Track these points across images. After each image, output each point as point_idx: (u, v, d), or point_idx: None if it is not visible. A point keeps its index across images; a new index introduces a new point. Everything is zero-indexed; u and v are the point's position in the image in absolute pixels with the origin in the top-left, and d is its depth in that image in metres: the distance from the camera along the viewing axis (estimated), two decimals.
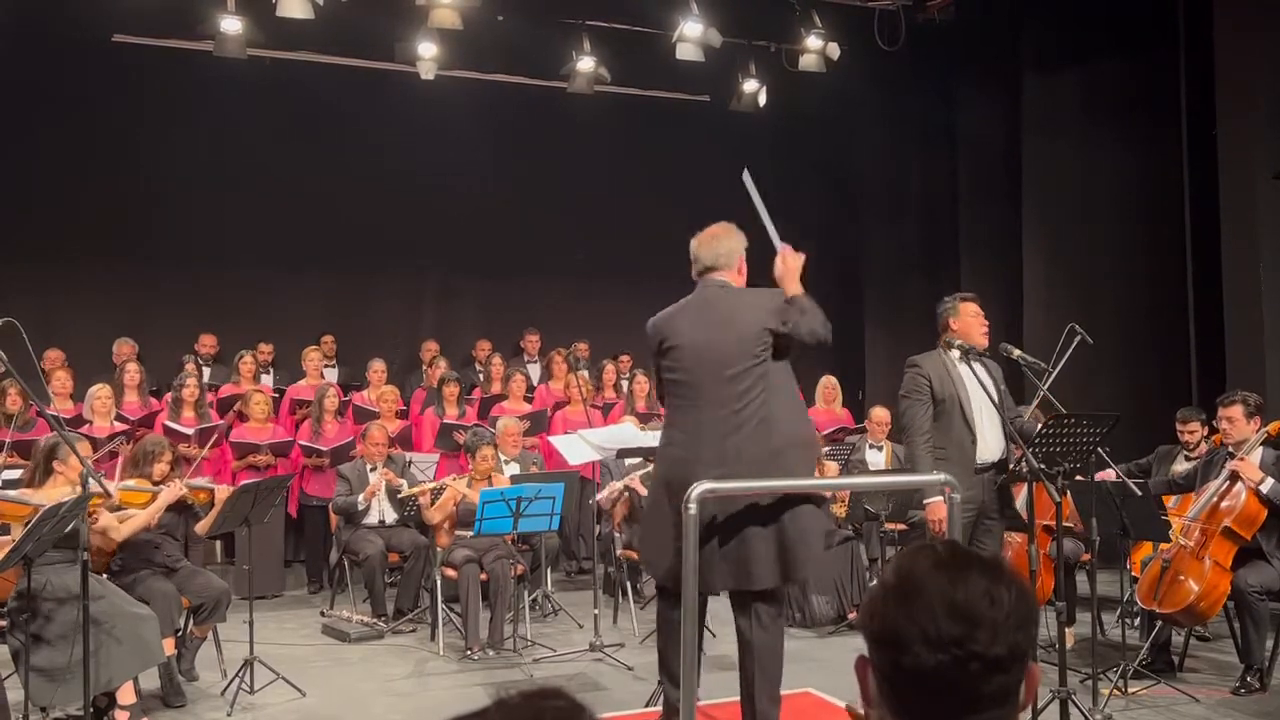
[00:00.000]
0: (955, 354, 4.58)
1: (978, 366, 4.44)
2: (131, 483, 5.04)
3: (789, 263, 3.80)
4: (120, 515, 4.85)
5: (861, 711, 1.26)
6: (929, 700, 1.17)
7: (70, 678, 4.15)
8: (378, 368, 8.58)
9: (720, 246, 3.90)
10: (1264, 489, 4.96)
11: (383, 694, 5.19)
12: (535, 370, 9.46)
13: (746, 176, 4.00)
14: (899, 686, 1.18)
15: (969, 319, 4.71)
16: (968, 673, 1.15)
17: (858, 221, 11.11)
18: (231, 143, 9.49)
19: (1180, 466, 5.88)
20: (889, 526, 6.89)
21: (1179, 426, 6.05)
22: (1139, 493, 5.03)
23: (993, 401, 4.45)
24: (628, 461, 6.87)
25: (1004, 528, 4.85)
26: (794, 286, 3.76)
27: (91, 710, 4.14)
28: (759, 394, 3.70)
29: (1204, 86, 7.77)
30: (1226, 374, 7.17)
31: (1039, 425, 4.62)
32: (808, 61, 9.08)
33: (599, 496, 6.67)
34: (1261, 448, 5.16)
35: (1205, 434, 5.93)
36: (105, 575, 4.83)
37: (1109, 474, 5.38)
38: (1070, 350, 5.49)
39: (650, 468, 6.70)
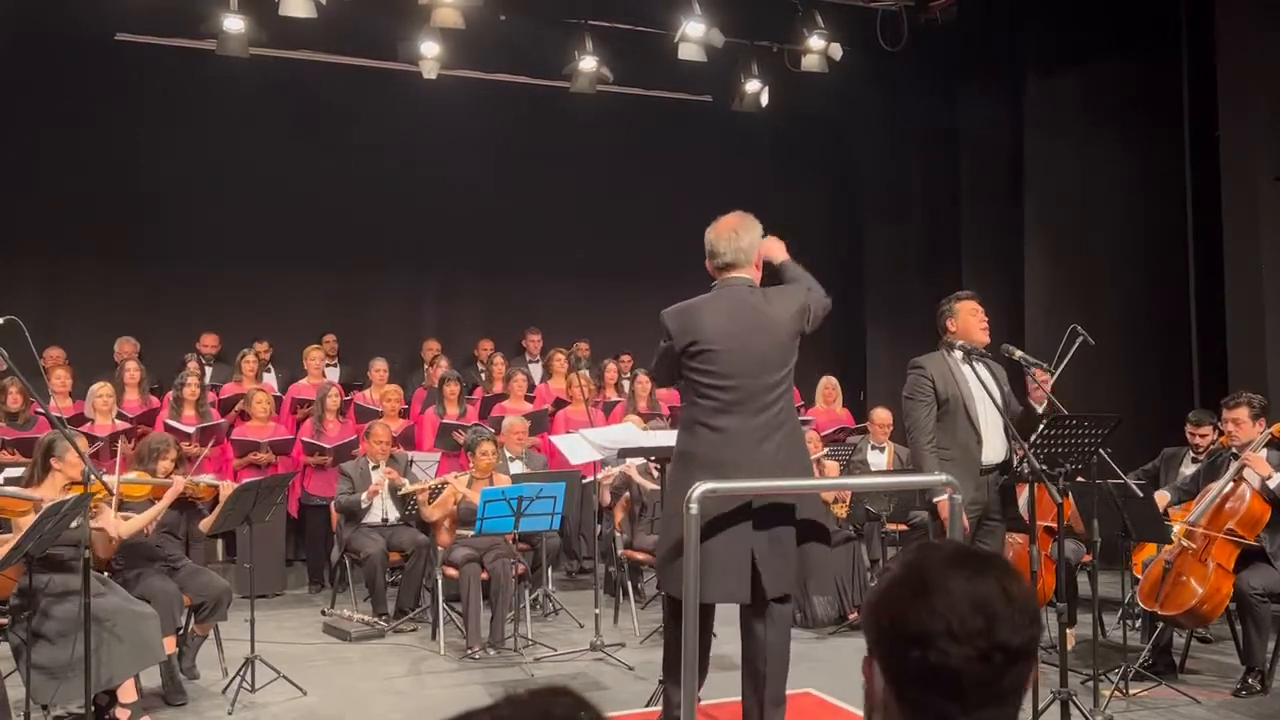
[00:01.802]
0: (958, 355, 4.57)
1: (980, 367, 4.43)
2: (133, 475, 5.05)
3: (774, 244, 3.99)
4: (122, 515, 4.85)
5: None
6: (946, 696, 1.17)
7: (71, 675, 4.15)
8: (379, 367, 8.58)
9: (740, 241, 3.84)
10: (1272, 484, 4.96)
11: (383, 693, 5.19)
12: (537, 370, 9.46)
13: None
14: (919, 683, 1.18)
15: (967, 317, 4.70)
16: (991, 665, 1.17)
17: (859, 221, 11.12)
18: (234, 142, 9.50)
19: (1188, 470, 5.86)
20: (890, 527, 6.90)
21: (1190, 429, 6.03)
22: (1140, 494, 5.02)
23: (995, 403, 4.44)
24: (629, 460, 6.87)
25: (1006, 528, 4.85)
26: (780, 253, 3.96)
27: (93, 708, 4.15)
28: (789, 398, 3.80)
29: (1205, 87, 7.77)
30: (1228, 375, 7.17)
31: (1040, 426, 4.61)
32: (810, 62, 9.08)
33: (599, 476, 6.65)
34: (1265, 449, 5.15)
35: (1216, 437, 5.91)
36: (106, 573, 4.84)
37: None
38: (1072, 351, 5.49)
39: (640, 462, 6.73)
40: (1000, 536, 4.76)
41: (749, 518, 3.63)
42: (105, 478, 4.35)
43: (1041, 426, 4.49)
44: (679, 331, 3.73)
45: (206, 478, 5.53)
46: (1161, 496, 5.48)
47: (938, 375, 4.61)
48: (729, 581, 3.61)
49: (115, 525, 4.79)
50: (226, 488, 5.26)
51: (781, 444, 3.71)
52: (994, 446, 4.61)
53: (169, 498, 5.02)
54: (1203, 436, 5.96)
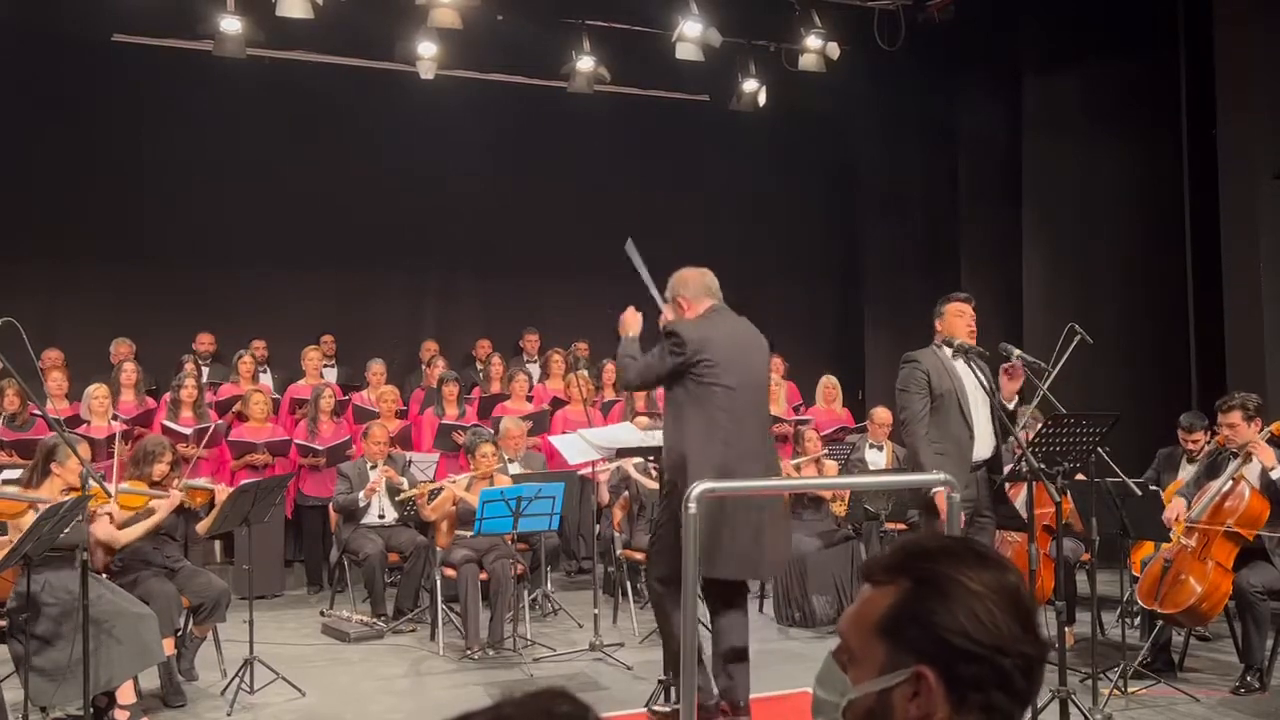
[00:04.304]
0: (948, 351, 4.59)
1: (971, 364, 4.44)
2: (127, 485, 5.04)
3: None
4: (120, 522, 4.84)
5: None
6: (1012, 694, 1.17)
7: (70, 677, 4.15)
8: (377, 369, 8.57)
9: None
10: (1275, 474, 4.96)
11: (382, 693, 5.19)
12: (536, 370, 9.46)
13: (630, 247, 4.51)
14: (997, 689, 1.16)
15: (953, 318, 4.73)
16: (1046, 661, 1.19)
17: (857, 221, 11.12)
18: (231, 142, 9.49)
19: (1185, 474, 5.85)
20: (889, 526, 6.89)
21: (1182, 435, 6.00)
22: (1139, 492, 5.02)
23: (990, 397, 4.45)
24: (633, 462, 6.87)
25: (996, 525, 4.85)
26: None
27: (91, 710, 4.14)
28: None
29: (1204, 86, 7.77)
30: (1227, 374, 7.17)
31: (1037, 424, 4.61)
32: (807, 61, 9.07)
33: (596, 469, 6.67)
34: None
35: (1208, 440, 5.89)
36: (105, 575, 4.83)
37: None
38: (1070, 350, 5.48)
39: (639, 460, 6.75)
40: (991, 533, 4.77)
41: (752, 509, 4.09)
42: (105, 484, 4.35)
43: (1040, 425, 4.49)
44: (696, 343, 4.08)
45: (200, 481, 5.51)
46: (1178, 504, 5.40)
47: (931, 369, 4.63)
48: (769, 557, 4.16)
49: (112, 535, 4.77)
50: (221, 491, 5.25)
51: (769, 441, 4.32)
52: (983, 442, 4.62)
53: (165, 510, 5.00)
54: (1194, 442, 5.93)
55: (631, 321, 4.49)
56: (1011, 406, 4.78)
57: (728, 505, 3.97)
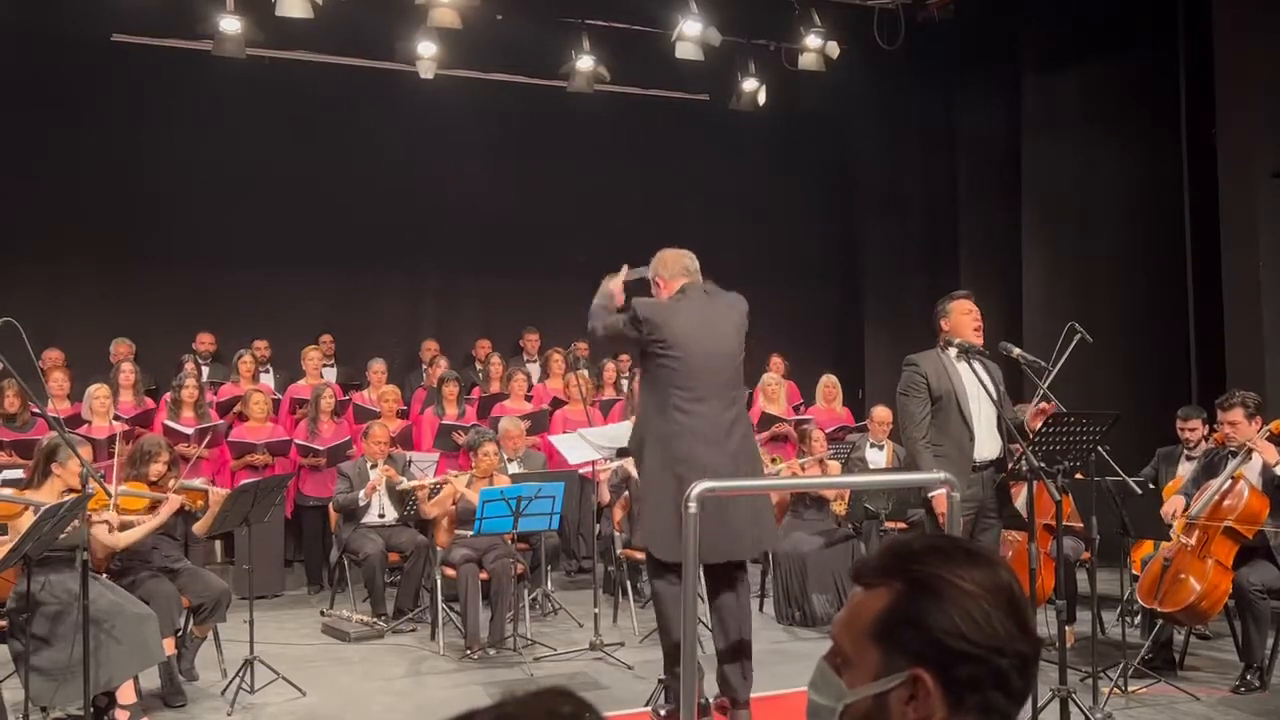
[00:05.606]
0: (953, 352, 4.59)
1: (976, 365, 4.44)
2: (127, 487, 5.03)
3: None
4: (120, 523, 4.84)
5: None
6: (1009, 694, 1.16)
7: (70, 677, 4.15)
8: (377, 368, 8.58)
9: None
10: (1278, 470, 4.97)
11: (383, 693, 5.19)
12: (535, 369, 9.47)
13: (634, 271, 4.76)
14: (994, 688, 1.15)
15: (960, 317, 4.73)
16: (1038, 657, 1.20)
17: (857, 221, 11.11)
18: (231, 142, 9.48)
19: (1184, 470, 5.87)
20: (889, 525, 6.89)
21: (1180, 424, 6.07)
22: (1139, 491, 5.03)
23: (993, 399, 4.45)
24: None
25: (1002, 525, 4.86)
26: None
27: (92, 710, 4.14)
28: (741, 394, 4.44)
29: (1203, 86, 7.77)
30: (1226, 372, 7.17)
31: (1038, 424, 4.61)
32: (807, 60, 9.07)
33: (600, 468, 6.68)
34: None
35: (1206, 432, 5.94)
36: (105, 575, 4.83)
37: None
38: (1070, 349, 5.48)
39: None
40: (996, 534, 4.77)
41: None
42: (106, 485, 4.34)
43: (1040, 424, 4.49)
44: (652, 325, 4.16)
45: (196, 483, 5.51)
46: (1177, 501, 5.41)
47: (931, 372, 4.64)
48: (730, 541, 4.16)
49: (109, 542, 4.77)
50: (216, 493, 5.25)
51: (739, 441, 4.22)
52: (986, 443, 4.63)
53: (165, 513, 5.00)
54: (1192, 431, 6.00)
55: (613, 281, 4.63)
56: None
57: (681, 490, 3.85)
